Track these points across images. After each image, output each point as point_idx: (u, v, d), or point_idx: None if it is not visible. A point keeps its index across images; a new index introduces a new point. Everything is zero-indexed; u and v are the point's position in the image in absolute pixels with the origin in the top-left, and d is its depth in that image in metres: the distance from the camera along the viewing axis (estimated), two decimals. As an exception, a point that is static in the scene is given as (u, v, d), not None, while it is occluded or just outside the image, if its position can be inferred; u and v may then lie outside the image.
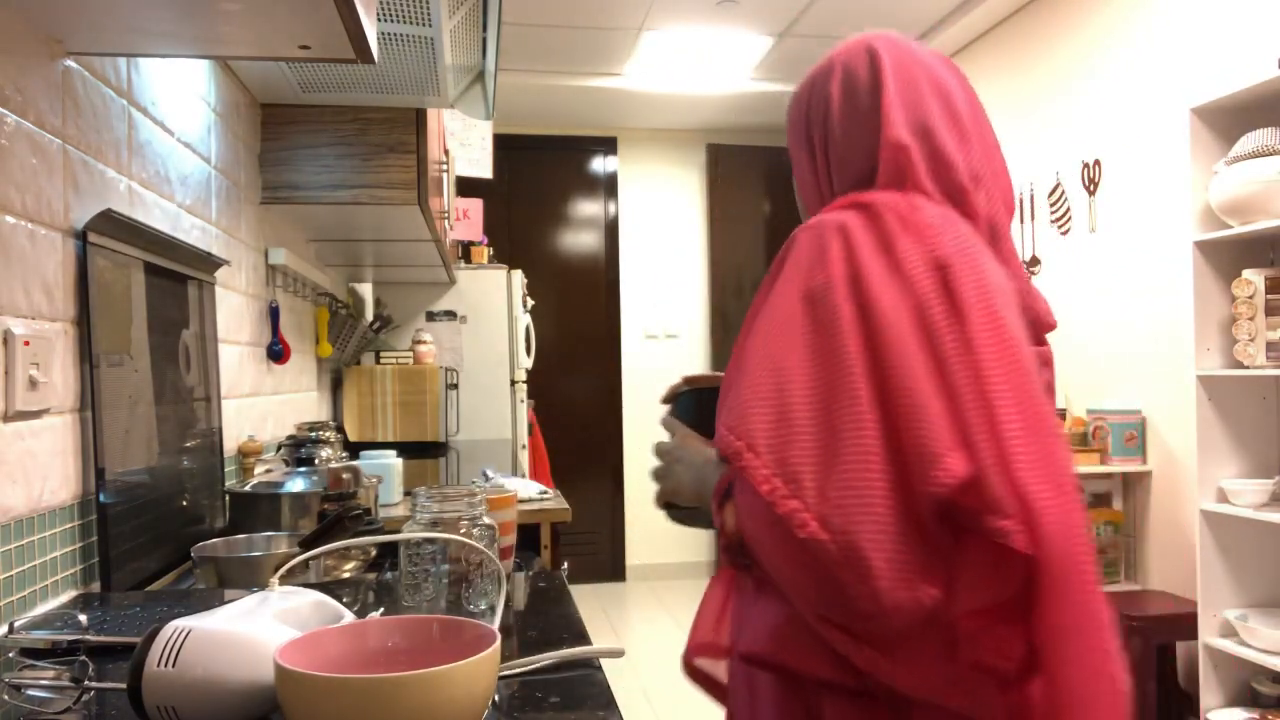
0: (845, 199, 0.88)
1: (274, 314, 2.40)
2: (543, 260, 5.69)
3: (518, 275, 4.23)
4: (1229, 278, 2.68)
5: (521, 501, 2.18)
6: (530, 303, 4.49)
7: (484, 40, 2.03)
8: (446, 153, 3.39)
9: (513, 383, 4.16)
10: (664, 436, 1.04)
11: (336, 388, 3.53)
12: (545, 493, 2.30)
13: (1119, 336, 3.33)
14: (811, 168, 0.97)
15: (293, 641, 0.73)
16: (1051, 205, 3.71)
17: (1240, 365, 2.62)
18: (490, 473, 2.37)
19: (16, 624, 1.04)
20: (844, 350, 0.76)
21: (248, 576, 1.33)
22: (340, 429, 3.42)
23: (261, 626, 0.78)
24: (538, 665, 0.92)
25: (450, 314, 4.13)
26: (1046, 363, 0.92)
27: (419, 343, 3.78)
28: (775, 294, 0.83)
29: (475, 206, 4.38)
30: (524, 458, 4.09)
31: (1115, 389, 3.36)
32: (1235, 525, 2.69)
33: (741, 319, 1.09)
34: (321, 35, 1.23)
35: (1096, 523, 3.23)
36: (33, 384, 1.17)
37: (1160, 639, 2.85)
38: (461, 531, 1.06)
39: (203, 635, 0.76)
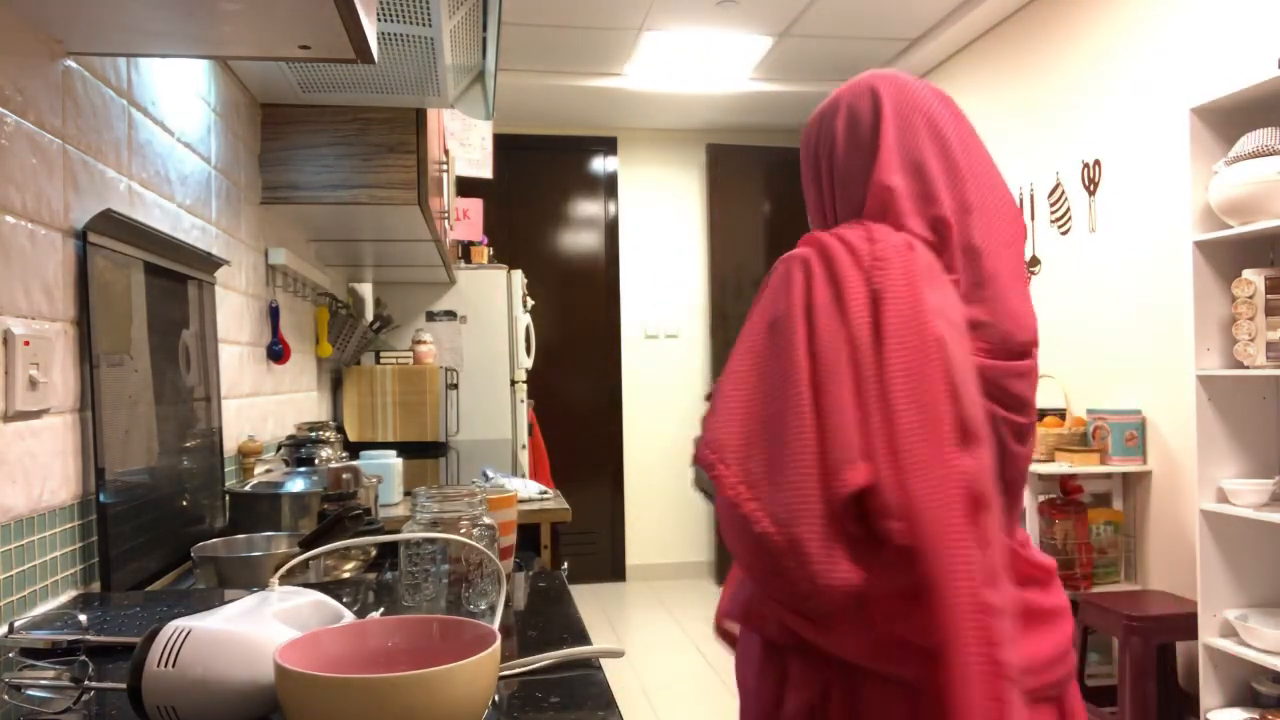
0: (832, 230, 1.01)
1: (274, 314, 2.40)
2: (543, 260, 5.69)
3: (518, 275, 4.23)
4: (1229, 278, 2.68)
5: (521, 501, 2.18)
6: (530, 303, 4.49)
7: (484, 40, 2.03)
8: (446, 153, 3.39)
9: (513, 383, 4.16)
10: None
11: (336, 388, 3.53)
12: (545, 493, 2.30)
13: (1119, 336, 3.33)
14: (818, 195, 1.11)
15: (293, 641, 0.73)
16: (1051, 205, 3.72)
17: (1240, 365, 2.62)
18: (490, 473, 2.37)
19: (16, 624, 1.04)
20: (794, 371, 0.91)
21: (248, 576, 1.33)
22: (340, 429, 3.42)
23: (261, 626, 0.78)
24: (538, 665, 0.92)
25: (450, 314, 4.13)
26: (1020, 374, 1.00)
27: (419, 343, 3.78)
28: (751, 317, 0.99)
29: (475, 206, 4.38)
30: (524, 458, 4.09)
31: (1115, 389, 3.36)
32: (1235, 525, 2.69)
33: (741, 319, 1.24)
34: (321, 35, 1.23)
35: (1096, 523, 3.23)
36: (33, 384, 1.17)
37: (1160, 639, 2.85)
38: (461, 531, 1.06)
39: (203, 635, 0.76)
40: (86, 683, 0.83)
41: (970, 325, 0.96)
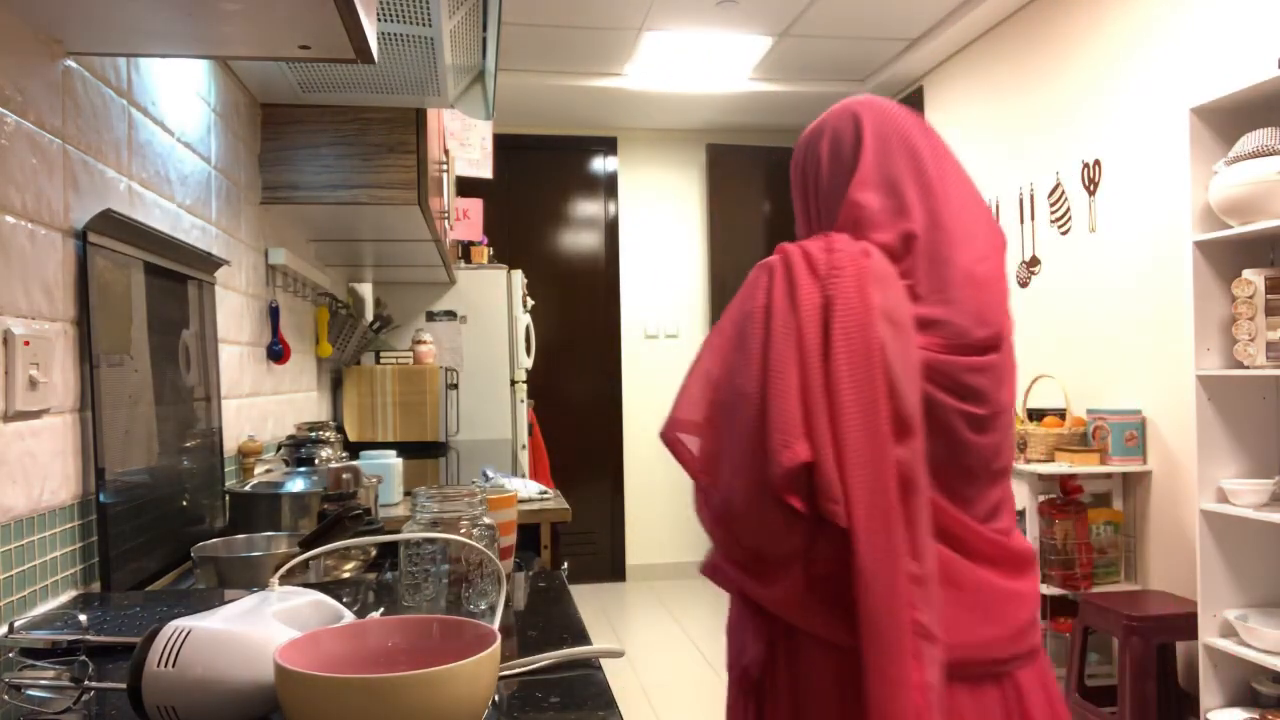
0: (799, 242, 1.13)
1: (274, 314, 2.40)
2: (543, 260, 5.69)
3: (518, 275, 4.23)
4: (1229, 278, 2.68)
5: (521, 501, 2.18)
6: (530, 303, 4.50)
7: (484, 40, 2.03)
8: (446, 153, 3.39)
9: (512, 383, 4.17)
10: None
11: (336, 388, 3.53)
12: (545, 493, 2.30)
13: (1119, 336, 3.33)
14: (805, 210, 1.23)
15: (293, 641, 0.73)
16: (1051, 205, 3.72)
17: (1240, 365, 2.62)
18: (490, 473, 2.37)
19: (16, 624, 1.04)
20: (749, 362, 1.04)
21: (248, 576, 1.33)
22: (340, 429, 3.42)
23: (261, 626, 0.78)
24: (538, 665, 0.92)
25: (450, 314, 4.13)
26: (978, 369, 1.08)
27: (419, 343, 3.78)
28: (725, 314, 1.13)
29: (475, 206, 4.38)
30: (524, 458, 4.09)
31: (1115, 389, 3.36)
32: (1235, 525, 2.69)
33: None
34: (321, 35, 1.24)
35: (1096, 522, 3.23)
36: (33, 384, 1.17)
37: (1160, 639, 2.85)
38: (461, 531, 1.06)
39: (203, 635, 0.76)
40: (86, 683, 0.83)
41: (924, 323, 1.06)
